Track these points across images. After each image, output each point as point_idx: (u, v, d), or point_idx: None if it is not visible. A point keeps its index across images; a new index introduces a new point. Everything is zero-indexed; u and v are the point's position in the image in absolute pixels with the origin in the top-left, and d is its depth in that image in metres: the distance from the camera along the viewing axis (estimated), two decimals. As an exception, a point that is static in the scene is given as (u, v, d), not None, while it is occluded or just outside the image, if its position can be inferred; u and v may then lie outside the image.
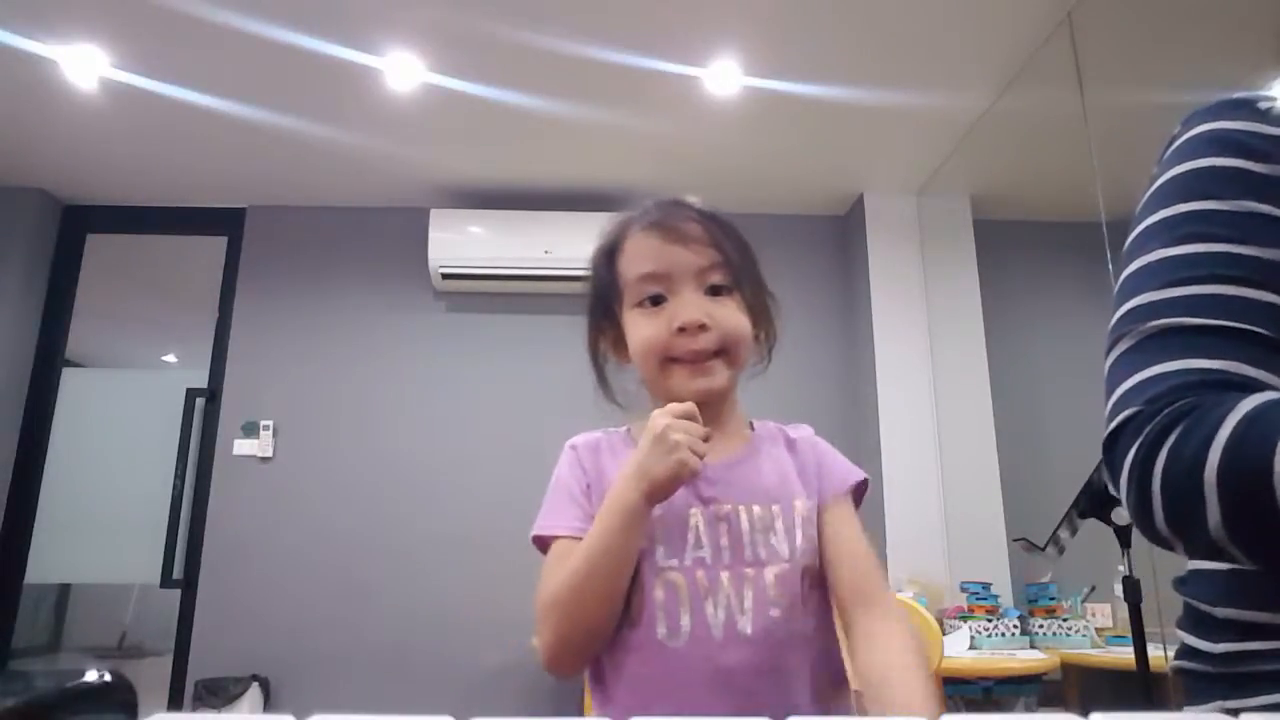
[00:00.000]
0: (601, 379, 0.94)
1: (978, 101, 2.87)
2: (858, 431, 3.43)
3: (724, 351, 0.86)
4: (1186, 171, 0.64)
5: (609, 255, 0.91)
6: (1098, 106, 2.53)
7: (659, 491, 0.77)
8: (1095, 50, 2.48)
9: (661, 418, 0.78)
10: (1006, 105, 2.84)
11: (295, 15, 2.42)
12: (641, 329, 0.86)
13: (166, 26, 2.45)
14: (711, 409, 0.85)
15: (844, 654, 0.85)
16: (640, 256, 0.88)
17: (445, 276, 3.41)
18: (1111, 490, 0.61)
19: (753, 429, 0.94)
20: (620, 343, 0.91)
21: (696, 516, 0.83)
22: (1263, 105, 0.64)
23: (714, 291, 0.86)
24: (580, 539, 0.81)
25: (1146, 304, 0.61)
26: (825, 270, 3.66)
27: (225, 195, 3.54)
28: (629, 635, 0.80)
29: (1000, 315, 3.39)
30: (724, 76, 2.72)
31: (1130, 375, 0.60)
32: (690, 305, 0.84)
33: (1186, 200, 0.63)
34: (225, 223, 3.61)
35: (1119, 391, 0.61)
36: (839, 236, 3.70)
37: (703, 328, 0.84)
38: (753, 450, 0.90)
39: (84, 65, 2.64)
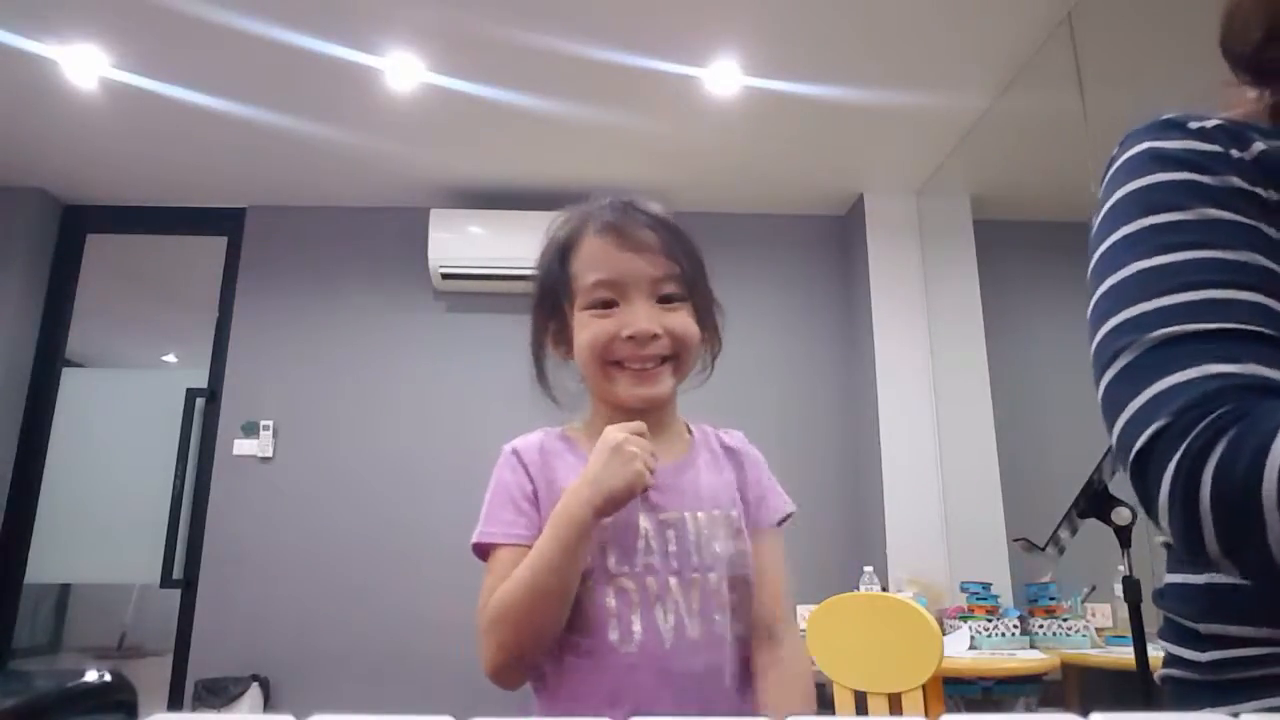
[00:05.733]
0: (541, 374, 0.95)
1: (978, 101, 2.87)
2: (858, 431, 3.44)
3: (672, 358, 0.87)
4: (1140, 188, 0.64)
5: (562, 252, 0.91)
6: (1098, 106, 2.52)
7: (613, 504, 0.78)
8: (1095, 50, 2.48)
9: (617, 432, 0.80)
10: (1006, 105, 2.84)
11: (295, 15, 2.42)
12: (589, 330, 0.87)
13: (166, 26, 2.45)
14: (654, 414, 0.88)
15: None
16: (594, 261, 0.88)
17: (445, 276, 3.41)
18: (1148, 513, 0.58)
19: (690, 432, 0.95)
20: (562, 338, 0.92)
21: (645, 523, 0.84)
22: (1193, 125, 0.65)
23: (665, 300, 0.87)
24: (523, 547, 0.81)
25: (1139, 315, 0.60)
26: (825, 270, 3.66)
27: (225, 195, 3.54)
28: (579, 641, 0.81)
29: (1000, 315, 3.39)
30: (724, 76, 2.72)
31: (1143, 388, 0.58)
32: (642, 315, 0.85)
33: (1148, 214, 0.63)
34: (225, 223, 3.61)
35: (1134, 406, 0.58)
36: (839, 236, 3.70)
37: (654, 337, 0.85)
38: (693, 456, 0.92)
39: (84, 65, 2.64)
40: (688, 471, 0.89)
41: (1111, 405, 0.60)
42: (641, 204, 0.92)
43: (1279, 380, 0.55)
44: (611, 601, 0.81)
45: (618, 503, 0.78)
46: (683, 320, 0.87)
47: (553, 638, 0.80)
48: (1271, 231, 0.60)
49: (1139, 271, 0.61)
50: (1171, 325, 0.58)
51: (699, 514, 0.86)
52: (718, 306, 0.95)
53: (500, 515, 0.86)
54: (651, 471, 0.79)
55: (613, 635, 0.80)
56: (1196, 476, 0.53)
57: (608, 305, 0.86)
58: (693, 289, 0.89)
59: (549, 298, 0.93)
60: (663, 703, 0.78)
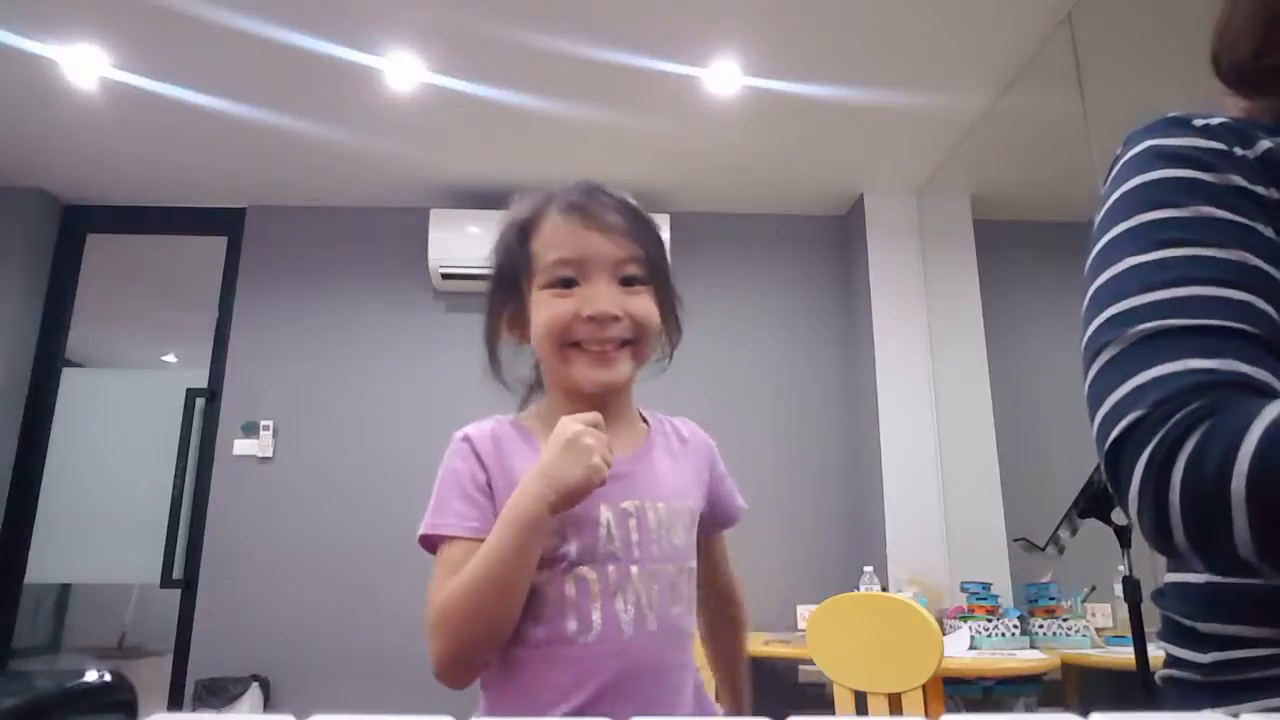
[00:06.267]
0: (493, 357, 0.93)
1: (978, 101, 2.87)
2: (858, 431, 3.43)
3: (632, 342, 0.85)
4: (1141, 184, 0.65)
5: (523, 231, 0.88)
6: (1098, 106, 2.52)
7: (568, 499, 0.75)
8: (1095, 50, 2.48)
9: (573, 424, 0.77)
10: (1006, 105, 2.83)
11: (295, 15, 2.42)
12: (548, 309, 0.84)
13: (166, 26, 2.45)
14: (610, 401, 0.86)
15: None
16: (557, 239, 0.85)
17: (445, 276, 3.41)
18: (1120, 503, 0.59)
19: (645, 420, 0.94)
20: (518, 320, 0.90)
21: (605, 512, 0.82)
22: (1198, 123, 0.65)
23: (627, 282, 0.85)
24: (474, 540, 0.79)
25: (1127, 310, 0.60)
26: (825, 270, 3.66)
27: (225, 195, 3.54)
28: (534, 631, 0.78)
29: (1000, 315, 3.39)
30: (724, 76, 2.72)
31: (1123, 381, 0.58)
32: (603, 296, 0.83)
33: (1146, 210, 0.63)
34: (225, 223, 3.61)
35: (1113, 399, 0.58)
36: (839, 236, 3.70)
37: (615, 319, 0.83)
38: (650, 445, 0.90)
39: (84, 65, 2.64)
40: (645, 460, 0.88)
41: (1094, 398, 0.61)
42: (606, 189, 0.90)
43: (1258, 377, 0.55)
44: (571, 591, 0.79)
45: (573, 498, 0.75)
46: (645, 304, 0.85)
47: (505, 636, 0.77)
48: (1269, 231, 0.61)
49: (1131, 267, 0.62)
50: (1156, 320, 0.58)
51: (659, 504, 0.84)
52: (678, 298, 0.93)
53: (450, 505, 0.83)
54: (609, 464, 0.76)
55: (571, 625, 0.78)
56: (1168, 469, 0.53)
57: (568, 284, 0.84)
58: (655, 274, 0.87)
59: (506, 278, 0.90)
60: (620, 695, 0.76)
